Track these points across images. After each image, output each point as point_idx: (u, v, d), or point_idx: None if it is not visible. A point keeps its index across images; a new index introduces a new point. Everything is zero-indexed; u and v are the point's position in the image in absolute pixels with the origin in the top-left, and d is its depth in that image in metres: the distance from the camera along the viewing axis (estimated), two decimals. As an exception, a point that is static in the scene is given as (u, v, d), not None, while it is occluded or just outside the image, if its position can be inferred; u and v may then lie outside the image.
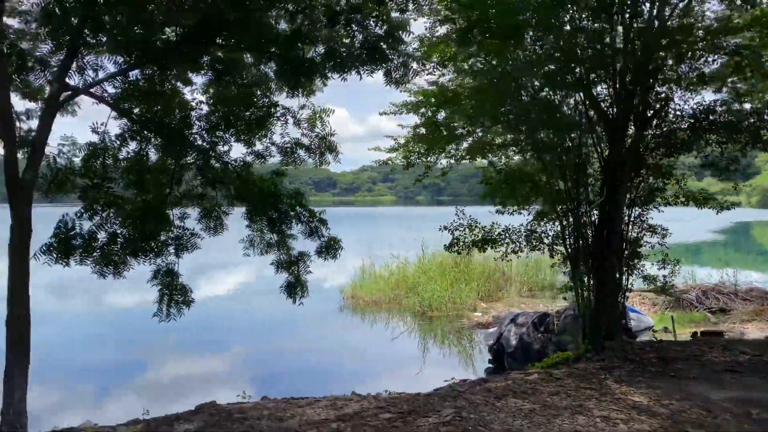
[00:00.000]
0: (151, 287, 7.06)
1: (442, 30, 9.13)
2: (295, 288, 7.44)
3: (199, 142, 7.07)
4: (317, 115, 7.33)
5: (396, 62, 6.60)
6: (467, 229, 10.13)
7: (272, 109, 7.17)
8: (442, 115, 10.32)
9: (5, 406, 5.13)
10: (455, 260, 17.41)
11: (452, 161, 11.49)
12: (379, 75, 6.83)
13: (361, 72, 6.42)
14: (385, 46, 6.27)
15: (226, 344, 13.59)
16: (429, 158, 11.18)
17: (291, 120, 7.32)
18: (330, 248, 7.49)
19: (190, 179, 7.55)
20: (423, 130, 10.73)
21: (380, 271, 19.10)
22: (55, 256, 5.94)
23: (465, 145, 11.13)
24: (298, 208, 7.48)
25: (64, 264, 6.08)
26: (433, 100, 9.94)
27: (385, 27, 6.23)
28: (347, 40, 6.36)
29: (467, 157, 11.34)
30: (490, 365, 11.99)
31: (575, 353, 8.44)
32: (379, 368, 11.76)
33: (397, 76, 6.99)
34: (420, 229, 22.19)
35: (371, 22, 6.28)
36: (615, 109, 8.98)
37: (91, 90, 6.27)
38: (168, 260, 7.11)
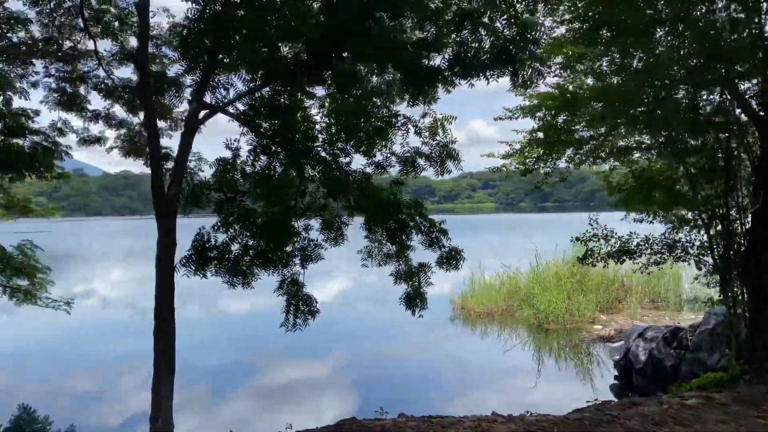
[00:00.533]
0: (276, 296, 7.18)
1: (560, 30, 8.68)
2: (414, 300, 7.28)
3: (323, 155, 7.13)
4: (439, 123, 7.14)
5: (524, 64, 6.25)
6: (602, 240, 9.47)
7: (393, 119, 7.08)
8: (561, 118, 9.82)
9: (153, 414, 5.38)
10: (571, 270, 16.60)
11: (571, 166, 10.93)
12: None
13: (488, 77, 6.16)
14: (513, 49, 5.95)
15: (341, 352, 13.80)
16: (548, 163, 10.67)
17: (412, 129, 7.19)
18: (452, 259, 7.26)
19: (313, 191, 7.64)
20: (540, 135, 10.27)
21: (490, 281, 18.59)
22: (193, 267, 6.19)
23: (585, 149, 10.53)
24: (417, 218, 7.33)
25: (201, 275, 6.32)
26: (550, 102, 9.47)
27: (514, 29, 5.92)
28: (474, 45, 6.11)
29: (586, 161, 10.74)
30: (616, 381, 11.32)
31: (729, 374, 7.58)
32: (496, 381, 11.47)
33: (522, 79, 6.64)
34: (527, 237, 21.40)
35: (500, 24, 6.00)
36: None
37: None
38: (293, 270, 7.22)
